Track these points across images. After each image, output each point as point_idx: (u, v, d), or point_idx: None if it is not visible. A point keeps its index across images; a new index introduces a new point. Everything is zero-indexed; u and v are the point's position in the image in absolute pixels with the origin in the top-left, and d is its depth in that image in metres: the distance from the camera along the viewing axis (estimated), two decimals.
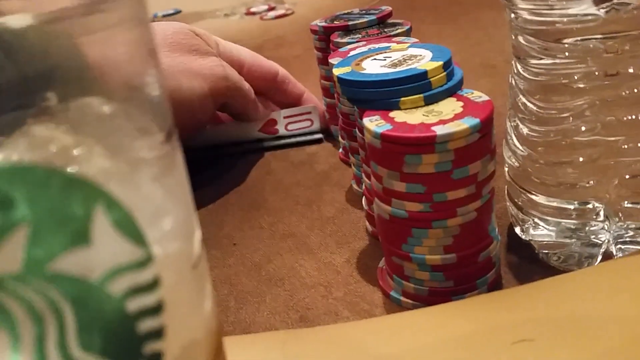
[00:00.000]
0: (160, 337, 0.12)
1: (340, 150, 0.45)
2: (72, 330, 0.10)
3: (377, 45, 0.36)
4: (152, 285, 0.12)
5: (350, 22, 0.41)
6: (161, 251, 0.12)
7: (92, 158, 0.13)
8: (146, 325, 0.12)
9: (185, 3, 1.14)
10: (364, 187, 0.35)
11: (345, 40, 0.39)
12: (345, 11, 0.45)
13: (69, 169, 0.11)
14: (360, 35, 0.40)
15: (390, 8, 0.42)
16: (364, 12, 0.43)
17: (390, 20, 0.41)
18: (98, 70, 0.15)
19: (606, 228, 0.29)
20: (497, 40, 0.65)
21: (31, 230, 0.10)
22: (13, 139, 0.14)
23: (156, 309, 0.12)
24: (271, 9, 0.99)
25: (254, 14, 0.98)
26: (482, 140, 0.26)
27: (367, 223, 0.35)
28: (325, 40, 0.43)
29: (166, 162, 0.14)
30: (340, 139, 0.44)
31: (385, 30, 0.40)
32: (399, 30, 0.39)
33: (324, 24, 0.43)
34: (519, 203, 0.31)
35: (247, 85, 0.46)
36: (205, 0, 1.12)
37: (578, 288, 0.26)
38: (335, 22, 0.42)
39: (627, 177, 0.27)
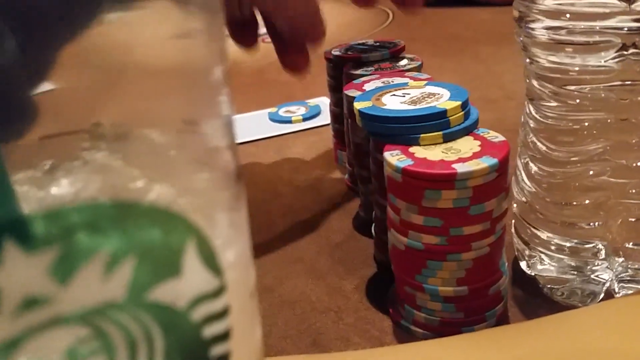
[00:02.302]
0: None
1: (347, 176, 0.46)
2: (160, 355, 0.11)
3: (391, 80, 0.37)
4: (223, 313, 0.13)
5: (364, 55, 0.42)
6: (229, 280, 0.13)
7: (156, 188, 0.14)
8: (217, 350, 0.13)
9: None
10: (374, 215, 0.36)
11: (358, 72, 0.40)
12: (359, 41, 0.46)
13: (167, 205, 0.12)
14: (373, 68, 0.41)
15: (403, 43, 0.43)
16: (377, 44, 0.44)
17: (401, 55, 0.43)
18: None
19: (607, 266, 0.30)
20: (496, 75, 0.67)
21: (136, 262, 0.11)
22: (68, 164, 0.15)
23: (225, 336, 0.13)
24: None
25: None
26: (499, 179, 0.27)
27: (376, 251, 0.36)
28: (338, 68, 0.44)
29: (235, 195, 0.15)
30: (347, 166, 0.45)
31: (397, 64, 0.41)
32: (411, 66, 0.40)
33: (337, 53, 0.44)
34: (526, 238, 0.32)
35: None
36: None
37: (582, 325, 0.27)
38: (349, 53, 0.43)
39: (632, 220, 0.28)
